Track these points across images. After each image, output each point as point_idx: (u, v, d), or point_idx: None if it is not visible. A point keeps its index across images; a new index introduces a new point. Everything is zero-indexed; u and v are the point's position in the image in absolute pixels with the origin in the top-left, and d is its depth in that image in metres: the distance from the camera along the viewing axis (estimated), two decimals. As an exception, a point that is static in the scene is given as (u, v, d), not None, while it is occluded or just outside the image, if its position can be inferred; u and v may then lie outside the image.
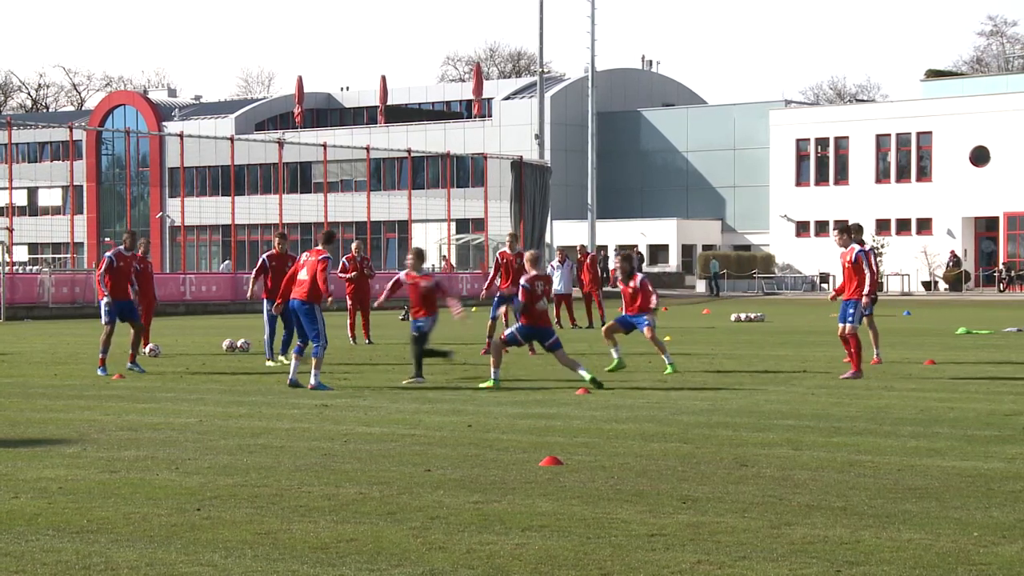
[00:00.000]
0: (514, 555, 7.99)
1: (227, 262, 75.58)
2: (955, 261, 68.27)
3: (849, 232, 19.99)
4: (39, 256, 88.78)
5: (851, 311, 19.38)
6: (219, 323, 40.06)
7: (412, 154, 66.31)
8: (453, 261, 70.44)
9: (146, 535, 8.58)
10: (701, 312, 47.94)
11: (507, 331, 19.17)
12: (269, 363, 22.18)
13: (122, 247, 21.63)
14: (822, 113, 78.75)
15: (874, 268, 19.76)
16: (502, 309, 25.17)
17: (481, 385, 18.08)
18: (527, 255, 19.58)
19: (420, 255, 19.54)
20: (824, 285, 69.36)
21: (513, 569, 7.69)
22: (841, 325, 19.42)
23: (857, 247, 19.76)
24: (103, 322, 21.13)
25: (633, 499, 9.73)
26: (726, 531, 8.61)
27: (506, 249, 26.53)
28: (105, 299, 21.14)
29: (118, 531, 8.71)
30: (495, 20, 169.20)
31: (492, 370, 18.21)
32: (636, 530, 8.65)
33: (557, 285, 35.21)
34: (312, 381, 17.90)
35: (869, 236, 69.60)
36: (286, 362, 21.62)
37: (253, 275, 22.83)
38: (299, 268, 18.54)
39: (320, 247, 18.67)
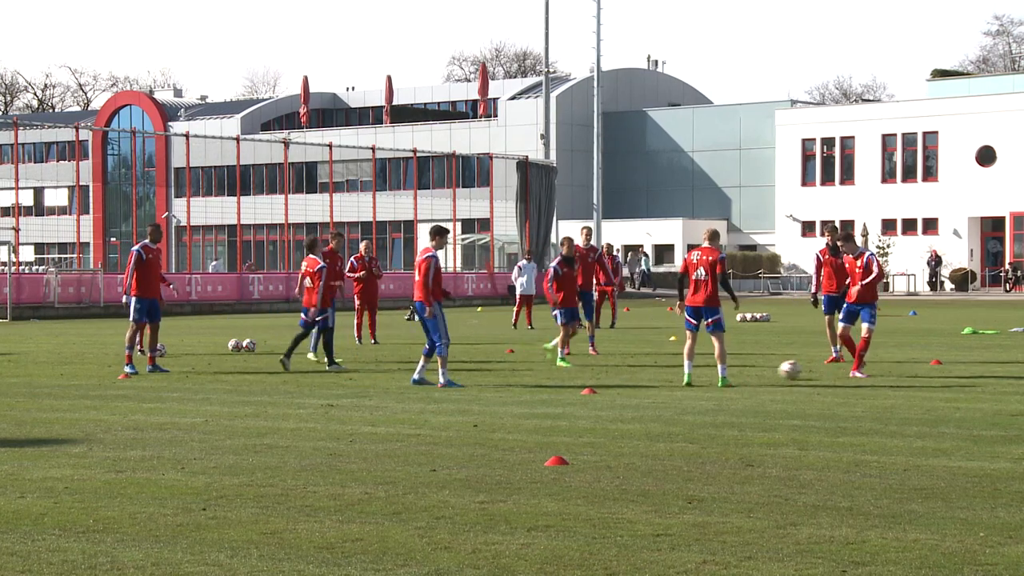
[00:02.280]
0: (519, 555, 7.99)
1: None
2: (937, 260, 68.02)
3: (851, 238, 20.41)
4: (45, 256, 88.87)
5: (865, 312, 19.62)
6: (225, 323, 40.09)
7: (418, 154, 66.33)
8: (459, 261, 70.43)
9: (152, 535, 8.59)
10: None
11: (687, 323, 18.37)
12: (310, 356, 22.67)
13: (147, 240, 21.11)
14: (828, 113, 78.69)
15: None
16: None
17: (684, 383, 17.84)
18: (707, 231, 18.55)
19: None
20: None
21: (518, 569, 7.69)
22: (843, 325, 19.85)
23: (868, 251, 20.12)
24: (131, 319, 20.78)
25: (639, 499, 9.72)
26: (732, 531, 8.60)
27: (579, 243, 25.57)
28: (133, 297, 20.72)
29: (124, 531, 8.71)
30: (501, 20, 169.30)
31: (686, 363, 18.05)
32: (642, 530, 8.64)
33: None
34: (441, 380, 18.03)
35: (875, 236, 69.64)
36: (314, 359, 22.43)
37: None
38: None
39: (428, 244, 18.25)
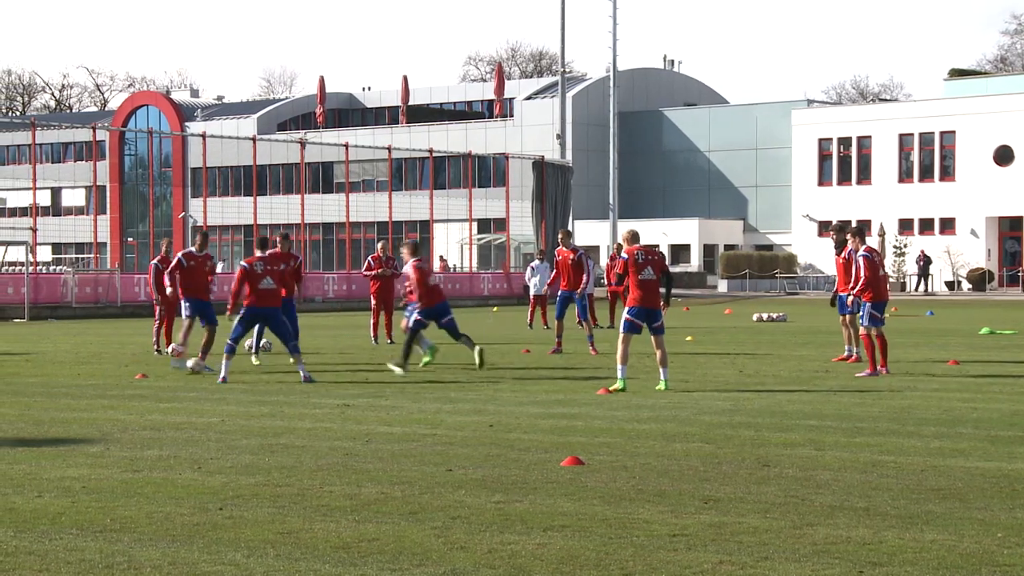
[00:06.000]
0: (535, 555, 7.99)
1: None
2: (926, 260, 67.68)
3: (851, 234, 20.47)
4: (63, 256, 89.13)
5: (860, 311, 19.89)
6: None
7: (434, 154, 66.35)
8: (474, 261, 70.47)
9: (168, 534, 8.60)
10: (723, 312, 47.84)
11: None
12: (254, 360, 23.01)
13: (193, 248, 22.26)
14: (845, 112, 78.51)
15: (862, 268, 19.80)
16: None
17: (612, 387, 17.38)
18: (625, 233, 18.13)
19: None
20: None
21: (534, 569, 7.68)
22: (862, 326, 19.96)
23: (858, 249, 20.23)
24: (184, 316, 21.89)
25: (655, 499, 9.71)
26: (748, 531, 8.58)
27: (561, 247, 25.61)
28: (183, 300, 21.85)
29: (141, 530, 8.73)
30: (517, 20, 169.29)
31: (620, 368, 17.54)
32: (658, 530, 8.63)
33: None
34: (302, 374, 19.04)
35: (891, 236, 69.44)
36: (256, 363, 22.75)
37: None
38: (258, 277, 19.31)
39: (262, 253, 19.67)
